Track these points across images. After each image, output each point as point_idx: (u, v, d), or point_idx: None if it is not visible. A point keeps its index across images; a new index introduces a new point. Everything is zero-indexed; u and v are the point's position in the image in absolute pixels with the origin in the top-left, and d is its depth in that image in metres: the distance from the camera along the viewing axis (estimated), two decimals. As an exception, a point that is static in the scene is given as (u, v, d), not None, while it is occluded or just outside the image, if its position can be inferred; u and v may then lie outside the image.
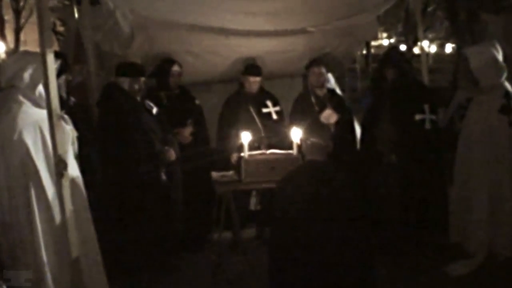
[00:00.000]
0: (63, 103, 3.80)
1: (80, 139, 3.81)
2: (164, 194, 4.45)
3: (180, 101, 5.11)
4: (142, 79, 4.45)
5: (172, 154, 4.50)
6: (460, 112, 4.69)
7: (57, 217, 3.42)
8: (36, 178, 3.39)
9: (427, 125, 4.62)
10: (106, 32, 4.72)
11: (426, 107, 4.64)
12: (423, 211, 4.58)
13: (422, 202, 4.57)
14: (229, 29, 5.01)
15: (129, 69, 4.44)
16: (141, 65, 4.59)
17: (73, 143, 3.71)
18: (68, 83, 4.17)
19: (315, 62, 5.26)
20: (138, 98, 4.47)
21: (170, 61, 5.06)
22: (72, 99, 4.20)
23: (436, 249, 4.63)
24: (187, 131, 5.04)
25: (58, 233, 3.41)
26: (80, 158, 3.78)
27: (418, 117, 4.63)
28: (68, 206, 3.32)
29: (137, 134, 4.28)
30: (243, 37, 5.17)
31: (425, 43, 5.88)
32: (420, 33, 5.94)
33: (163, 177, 4.44)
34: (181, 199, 4.69)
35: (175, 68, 5.07)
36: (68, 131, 3.62)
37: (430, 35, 28.36)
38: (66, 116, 3.66)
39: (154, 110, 4.58)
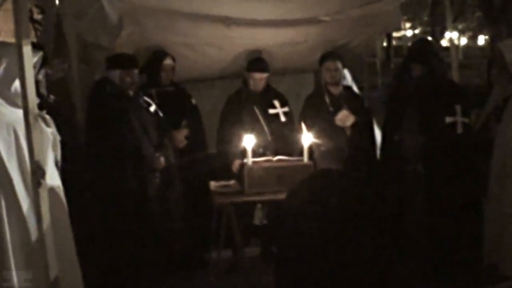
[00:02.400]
0: (44, 102, 3.80)
1: (63, 143, 3.81)
2: (157, 206, 4.45)
3: (173, 99, 5.13)
4: (135, 71, 4.48)
5: (160, 162, 4.49)
6: (496, 114, 4.68)
7: (33, 233, 3.40)
8: (8, 187, 3.37)
9: (459, 129, 4.61)
10: (91, 20, 4.73)
11: (458, 108, 4.63)
12: (454, 229, 4.55)
13: (453, 218, 4.55)
14: (231, 17, 5.01)
15: (119, 60, 4.49)
16: (133, 55, 4.62)
17: (55, 148, 3.70)
18: (47, 78, 4.18)
19: (329, 56, 5.27)
20: (131, 93, 4.49)
21: (162, 54, 5.09)
22: (52, 97, 4.21)
23: (469, 271, 4.60)
24: (181, 134, 5.05)
25: (34, 251, 3.39)
26: (62, 164, 3.78)
27: (448, 119, 4.62)
28: (46, 220, 3.30)
29: (125, 136, 4.28)
30: (247, 27, 5.17)
31: (454, 35, 5.87)
32: (448, 23, 5.94)
33: (156, 181, 4.44)
34: (180, 213, 4.70)
35: (167, 61, 5.09)
36: (49, 134, 3.62)
37: (460, 26, 28.38)
38: (48, 117, 3.67)
39: (152, 108, 4.60)
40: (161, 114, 4.71)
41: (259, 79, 5.26)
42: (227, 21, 5.03)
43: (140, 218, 4.35)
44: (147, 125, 4.47)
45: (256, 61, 5.34)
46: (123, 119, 4.34)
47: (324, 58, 5.28)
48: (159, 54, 5.09)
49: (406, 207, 4.71)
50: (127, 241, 4.32)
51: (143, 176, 4.39)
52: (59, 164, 3.76)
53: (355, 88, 6.03)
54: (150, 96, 4.92)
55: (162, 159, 4.52)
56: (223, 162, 5.14)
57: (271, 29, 5.26)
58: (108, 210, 4.27)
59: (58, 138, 3.76)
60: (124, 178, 4.29)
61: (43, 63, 3.94)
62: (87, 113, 4.53)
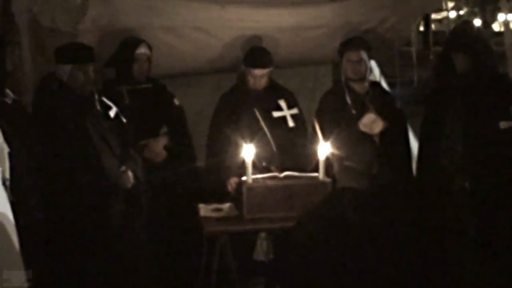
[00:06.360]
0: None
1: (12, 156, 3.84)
2: (121, 238, 4.48)
3: (150, 99, 5.17)
4: (91, 65, 4.49)
5: (127, 179, 4.54)
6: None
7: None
8: None
9: (517, 137, 4.65)
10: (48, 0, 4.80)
11: (515, 110, 4.68)
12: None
13: (509, 247, 4.57)
14: (226, -6, 5.10)
15: (70, 51, 4.49)
16: (88, 46, 4.63)
17: (1, 163, 3.73)
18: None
19: (351, 44, 5.25)
20: (86, 93, 4.49)
21: (134, 41, 5.10)
22: (11, 95, 4.21)
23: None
24: (159, 144, 5.09)
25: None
26: (12, 182, 3.81)
27: (503, 125, 4.65)
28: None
29: (77, 148, 4.31)
30: (247, 7, 5.26)
31: (510, 17, 5.90)
32: (502, 1, 5.96)
33: (121, 206, 4.47)
34: (148, 246, 4.72)
35: (141, 50, 5.10)
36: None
37: (517, 5, 28.46)
38: None
39: (112, 112, 4.61)
40: (124, 120, 4.71)
41: (259, 75, 5.29)
42: (221, 0, 5.10)
43: (100, 254, 4.37)
44: (107, 134, 4.48)
45: (256, 52, 5.35)
46: (75, 127, 4.35)
47: (345, 47, 5.25)
48: (130, 41, 5.09)
49: (450, 234, 4.75)
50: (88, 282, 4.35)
51: (104, 199, 4.40)
52: (7, 182, 3.79)
53: (384, 85, 6.06)
54: (119, 95, 4.96)
55: (129, 174, 4.52)
56: (216, 180, 5.18)
57: (277, 10, 5.34)
58: (62, 242, 4.29)
59: (6, 149, 3.79)
60: (79, 203, 4.31)
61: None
62: (32, 119, 4.52)
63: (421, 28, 24.64)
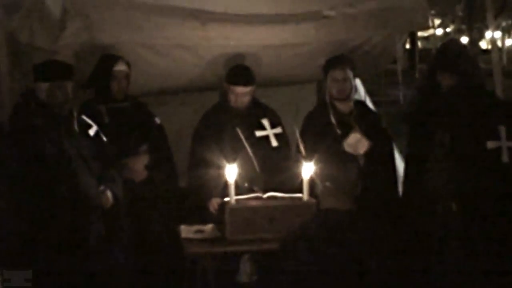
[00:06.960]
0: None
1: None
2: (100, 259, 4.47)
3: (130, 118, 5.16)
4: (69, 83, 4.50)
5: (107, 198, 4.53)
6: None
7: None
8: None
9: (505, 157, 4.65)
10: (26, 15, 4.79)
11: (502, 130, 4.68)
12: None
13: (500, 275, 4.58)
14: (207, 12, 5.11)
15: (49, 69, 4.48)
16: (67, 63, 4.61)
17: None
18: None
19: (336, 62, 5.29)
20: (64, 112, 4.49)
21: (112, 58, 5.10)
22: None
23: None
24: (139, 163, 5.08)
25: None
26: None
27: (490, 145, 4.68)
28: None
29: (55, 168, 4.31)
30: (229, 24, 5.27)
31: (496, 34, 5.98)
32: (489, 19, 5.99)
33: (100, 227, 4.46)
34: (127, 268, 4.71)
35: (119, 67, 5.08)
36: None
37: (504, 23, 28.66)
38: None
39: (92, 130, 4.61)
40: (104, 138, 4.72)
41: (241, 94, 5.29)
42: (203, 17, 5.12)
43: (77, 274, 4.36)
44: (86, 154, 4.48)
45: (238, 70, 5.36)
46: (53, 147, 4.36)
47: (329, 65, 5.29)
48: (108, 58, 5.10)
49: (437, 259, 4.76)
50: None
51: (82, 220, 4.40)
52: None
53: (369, 104, 6.08)
54: (98, 114, 4.96)
55: (108, 193, 4.51)
56: (197, 200, 5.19)
57: (260, 27, 5.35)
58: (36, 266, 4.28)
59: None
60: (56, 223, 4.30)
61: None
62: (9, 137, 4.54)
63: (407, 46, 24.78)
